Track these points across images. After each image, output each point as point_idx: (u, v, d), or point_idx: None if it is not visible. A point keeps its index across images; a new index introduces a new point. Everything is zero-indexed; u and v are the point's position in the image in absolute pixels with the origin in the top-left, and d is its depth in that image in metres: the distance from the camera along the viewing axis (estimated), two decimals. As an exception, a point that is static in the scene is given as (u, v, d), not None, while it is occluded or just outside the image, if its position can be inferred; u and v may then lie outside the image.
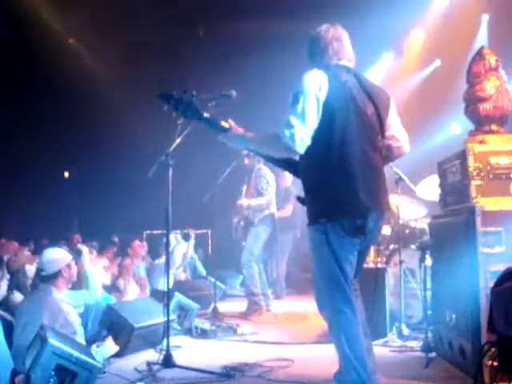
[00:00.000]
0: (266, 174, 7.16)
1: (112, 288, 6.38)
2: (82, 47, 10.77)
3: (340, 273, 3.11)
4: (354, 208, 3.09)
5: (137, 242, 8.21)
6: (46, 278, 4.28)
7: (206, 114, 3.48)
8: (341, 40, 3.40)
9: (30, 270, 5.69)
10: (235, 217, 7.38)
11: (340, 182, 3.08)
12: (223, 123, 3.42)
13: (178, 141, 4.33)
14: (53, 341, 3.20)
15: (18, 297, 5.10)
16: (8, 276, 5.64)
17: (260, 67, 10.18)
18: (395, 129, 3.45)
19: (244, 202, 7.17)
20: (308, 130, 3.03)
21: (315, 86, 3.09)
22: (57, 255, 4.43)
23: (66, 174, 14.04)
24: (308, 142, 3.04)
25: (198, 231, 8.95)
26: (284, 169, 3.93)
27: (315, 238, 3.16)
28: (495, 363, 2.54)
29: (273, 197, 7.27)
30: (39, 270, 4.35)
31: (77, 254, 4.97)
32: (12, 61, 9.86)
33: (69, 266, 4.40)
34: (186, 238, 8.51)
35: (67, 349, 3.23)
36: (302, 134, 3.02)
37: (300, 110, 3.04)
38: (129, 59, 10.14)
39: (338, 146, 3.07)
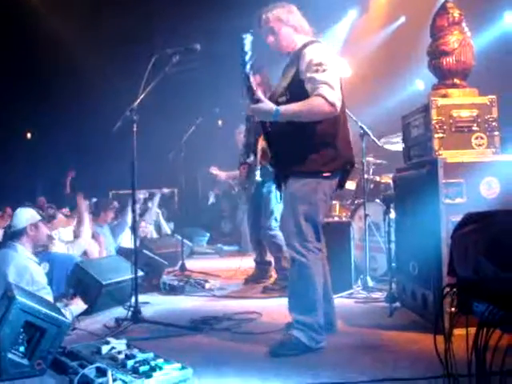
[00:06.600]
0: None
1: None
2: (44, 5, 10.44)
3: (319, 221, 3.49)
4: (345, 162, 3.53)
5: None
6: (13, 235, 4.31)
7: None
8: (297, 14, 3.64)
9: (-4, 233, 5.63)
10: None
11: (336, 141, 3.44)
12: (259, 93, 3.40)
13: (142, 96, 4.24)
14: (20, 298, 3.18)
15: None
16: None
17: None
18: None
19: None
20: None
21: (329, 54, 3.41)
22: (25, 213, 4.45)
23: (29, 135, 13.76)
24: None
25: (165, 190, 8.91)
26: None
27: (302, 190, 3.44)
28: (454, 309, 2.63)
29: None
30: (8, 227, 4.35)
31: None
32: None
33: (36, 225, 4.40)
34: (152, 196, 8.49)
35: (35, 305, 3.21)
36: (340, 96, 3.32)
37: (330, 75, 3.29)
38: (92, 15, 9.88)
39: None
